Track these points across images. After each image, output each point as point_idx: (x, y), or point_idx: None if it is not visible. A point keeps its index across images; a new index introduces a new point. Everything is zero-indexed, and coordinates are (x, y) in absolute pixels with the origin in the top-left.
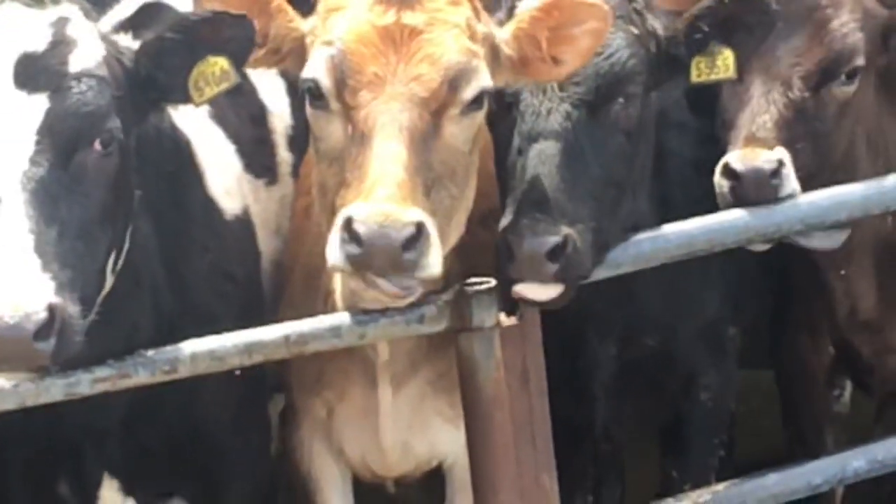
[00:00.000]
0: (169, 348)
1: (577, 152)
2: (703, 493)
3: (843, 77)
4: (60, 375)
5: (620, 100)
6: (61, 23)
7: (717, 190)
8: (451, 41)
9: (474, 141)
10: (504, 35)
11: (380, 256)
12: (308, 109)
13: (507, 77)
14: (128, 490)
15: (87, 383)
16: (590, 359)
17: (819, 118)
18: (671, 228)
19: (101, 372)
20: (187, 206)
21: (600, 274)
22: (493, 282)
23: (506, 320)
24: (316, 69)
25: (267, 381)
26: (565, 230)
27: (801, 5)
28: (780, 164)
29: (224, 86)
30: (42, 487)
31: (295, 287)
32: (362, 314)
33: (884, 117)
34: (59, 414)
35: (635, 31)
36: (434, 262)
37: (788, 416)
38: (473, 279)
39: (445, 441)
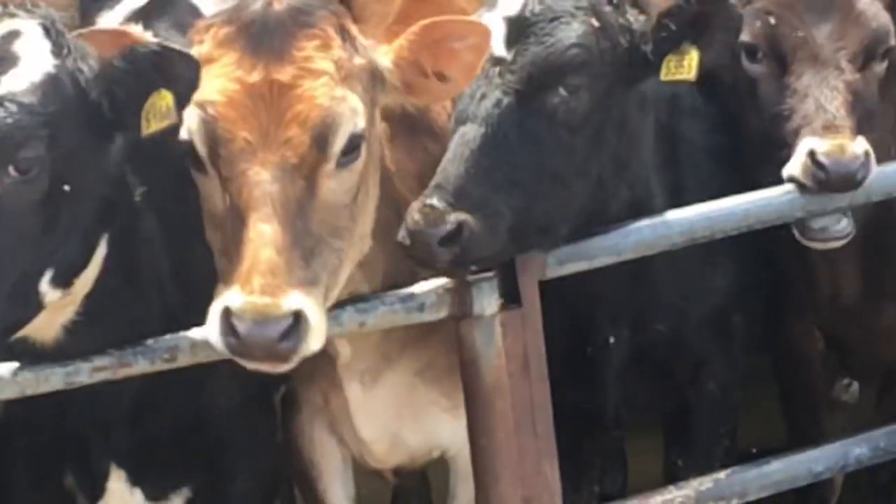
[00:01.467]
0: (168, 337)
1: (499, 140)
2: (705, 481)
3: (881, 55)
4: (59, 364)
5: (561, 91)
6: (8, 38)
7: (798, 172)
8: (319, 94)
9: (361, 181)
10: (386, 62)
11: (257, 350)
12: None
13: (396, 100)
14: (135, 481)
15: (86, 372)
16: (602, 343)
17: (868, 98)
18: (672, 215)
19: (101, 361)
20: (192, 198)
21: (601, 261)
22: (494, 270)
23: (506, 308)
24: (192, 133)
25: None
26: (460, 217)
27: None
28: (867, 154)
29: (165, 123)
30: (48, 479)
31: None
32: (362, 302)
33: (881, 107)
34: (66, 405)
35: (596, 23)
36: (313, 343)
37: (786, 403)
38: None
39: (444, 431)
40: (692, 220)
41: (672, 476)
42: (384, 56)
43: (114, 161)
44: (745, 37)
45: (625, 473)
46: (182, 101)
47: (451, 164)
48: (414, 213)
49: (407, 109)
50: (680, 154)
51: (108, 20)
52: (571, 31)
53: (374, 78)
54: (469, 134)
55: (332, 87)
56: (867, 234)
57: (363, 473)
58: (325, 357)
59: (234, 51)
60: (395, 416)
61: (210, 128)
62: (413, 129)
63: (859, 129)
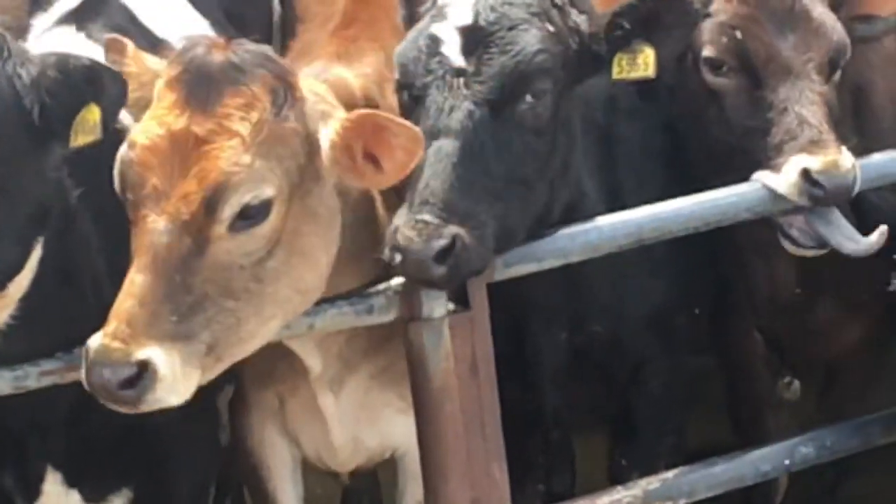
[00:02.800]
0: None
1: (476, 151)
2: (653, 481)
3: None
4: (7, 368)
5: (528, 98)
6: None
7: (789, 190)
8: (225, 155)
9: (277, 244)
10: (325, 139)
11: (101, 391)
12: None
13: (335, 176)
14: (72, 483)
15: (34, 376)
16: (537, 346)
17: (834, 109)
18: (618, 217)
19: (49, 365)
20: None
21: (549, 264)
22: None
23: (455, 310)
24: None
25: None
26: (453, 230)
27: (779, 4)
28: (854, 167)
29: (90, 139)
30: None
31: None
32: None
33: None
34: (3, 406)
35: (551, 28)
36: (165, 395)
37: (730, 403)
38: None
39: (398, 431)
40: (639, 223)
41: (617, 476)
42: (326, 130)
43: (52, 166)
44: (708, 51)
45: (573, 473)
46: (107, 118)
47: (435, 179)
48: (405, 230)
49: None
50: (618, 155)
51: (43, 22)
52: (532, 38)
53: (311, 145)
54: (446, 147)
55: (239, 151)
56: None
57: (315, 473)
58: (283, 361)
59: (172, 93)
60: (354, 419)
61: (124, 170)
62: None
63: None
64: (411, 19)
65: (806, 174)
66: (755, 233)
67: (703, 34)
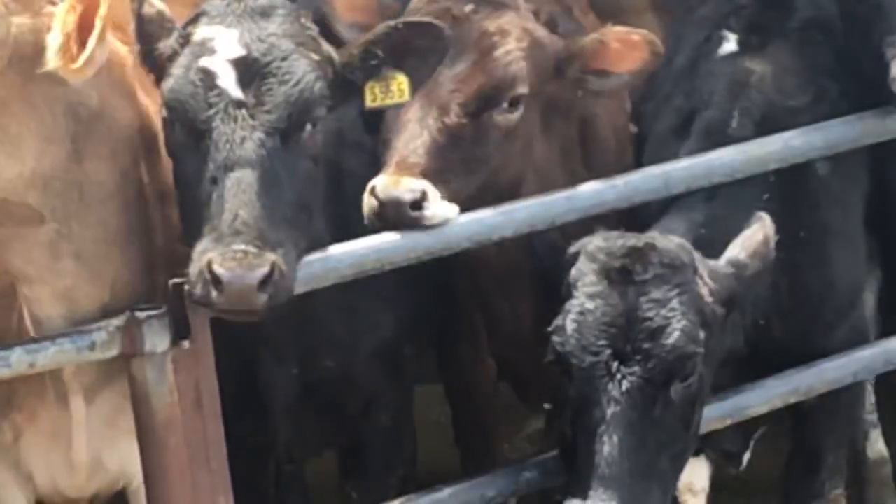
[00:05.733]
0: None
1: (273, 179)
2: None
3: (505, 104)
4: None
5: (308, 126)
6: None
7: (365, 210)
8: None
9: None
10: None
11: None
12: None
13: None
14: None
15: None
16: (268, 380)
17: (479, 144)
18: (341, 248)
19: None
20: None
21: None
22: (164, 307)
23: (178, 345)
24: None
25: None
26: (271, 258)
27: (469, 32)
28: (423, 195)
29: None
30: None
31: None
32: (31, 343)
33: (548, 145)
34: None
35: (316, 57)
36: None
37: (458, 430)
38: (145, 304)
39: (136, 458)
40: (361, 253)
41: None
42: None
43: None
44: None
45: None
46: None
47: (243, 209)
48: (224, 262)
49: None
50: (346, 189)
51: None
52: (307, 66)
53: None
54: (247, 178)
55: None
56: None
57: None
58: (25, 385)
59: None
60: (99, 436)
61: None
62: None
63: (451, 172)
64: (147, 56)
65: (372, 190)
66: (500, 271)
67: None
